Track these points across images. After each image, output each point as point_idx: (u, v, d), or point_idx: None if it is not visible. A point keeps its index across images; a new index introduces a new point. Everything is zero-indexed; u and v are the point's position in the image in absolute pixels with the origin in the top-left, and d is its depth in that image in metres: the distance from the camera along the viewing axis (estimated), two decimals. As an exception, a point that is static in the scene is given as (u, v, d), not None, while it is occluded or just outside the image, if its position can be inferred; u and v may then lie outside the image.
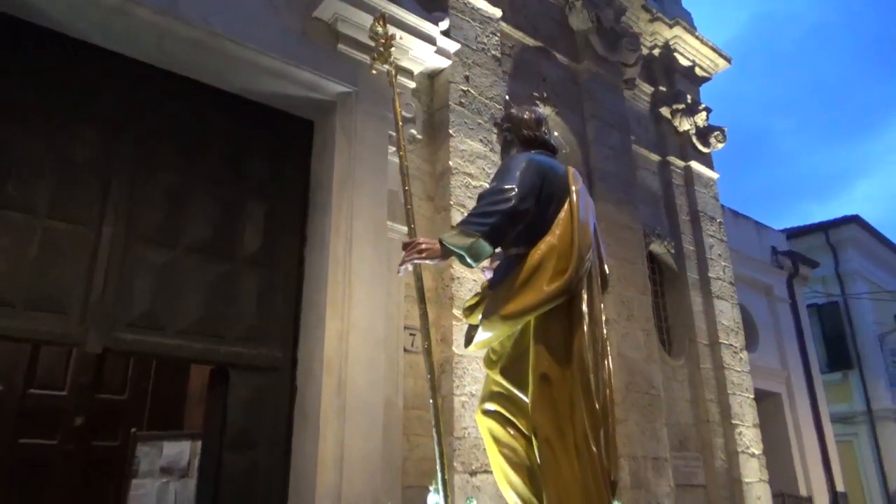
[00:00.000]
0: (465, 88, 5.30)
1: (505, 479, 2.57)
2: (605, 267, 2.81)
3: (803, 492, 9.38)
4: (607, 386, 2.54)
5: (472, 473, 4.32)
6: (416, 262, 2.59)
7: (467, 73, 5.35)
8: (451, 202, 4.89)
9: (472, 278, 4.81)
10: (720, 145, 8.71)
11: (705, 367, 7.35)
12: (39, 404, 5.37)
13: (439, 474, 2.61)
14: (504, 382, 2.60)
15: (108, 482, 5.67)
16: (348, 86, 4.63)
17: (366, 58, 4.76)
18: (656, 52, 8.36)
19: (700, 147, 8.48)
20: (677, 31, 8.32)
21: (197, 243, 4.15)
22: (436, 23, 5.07)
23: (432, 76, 5.34)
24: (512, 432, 2.57)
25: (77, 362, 5.68)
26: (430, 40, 5.00)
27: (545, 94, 6.03)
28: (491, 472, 4.37)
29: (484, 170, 5.20)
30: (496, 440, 2.61)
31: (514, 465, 2.53)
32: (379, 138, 4.69)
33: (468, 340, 2.71)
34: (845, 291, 13.64)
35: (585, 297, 2.53)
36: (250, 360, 4.18)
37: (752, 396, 7.62)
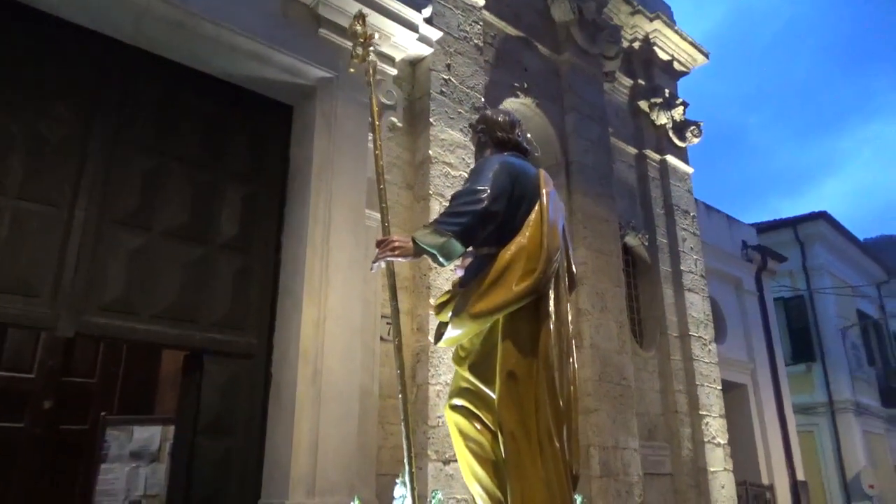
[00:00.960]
0: (446, 77, 5.28)
1: (470, 472, 2.62)
2: (574, 267, 2.87)
3: (765, 480, 9.65)
4: (571, 383, 2.59)
5: (446, 462, 4.36)
6: (388, 259, 2.60)
7: (449, 62, 5.33)
8: (431, 191, 4.88)
9: (449, 268, 4.81)
10: (696, 140, 8.82)
11: (675, 358, 7.48)
12: (6, 387, 5.26)
13: (406, 466, 2.64)
14: (472, 378, 2.64)
15: (77, 466, 5.60)
16: (329, 71, 4.58)
17: (347, 43, 4.70)
18: (636, 45, 8.40)
19: (676, 141, 8.58)
20: (657, 24, 8.38)
21: (172, 227, 4.09)
22: (419, 10, 5.03)
23: (414, 63, 5.31)
24: (478, 427, 2.62)
25: (45, 345, 5.57)
26: (413, 27, 4.97)
27: (526, 85, 6.04)
28: (453, 462, 4.43)
29: (464, 160, 5.20)
30: (463, 434, 2.66)
31: (480, 458, 2.58)
32: (359, 125, 4.65)
33: (438, 337, 2.75)
34: (811, 286, 13.98)
35: (552, 296, 2.58)
36: (225, 346, 4.15)
37: (719, 388, 7.79)
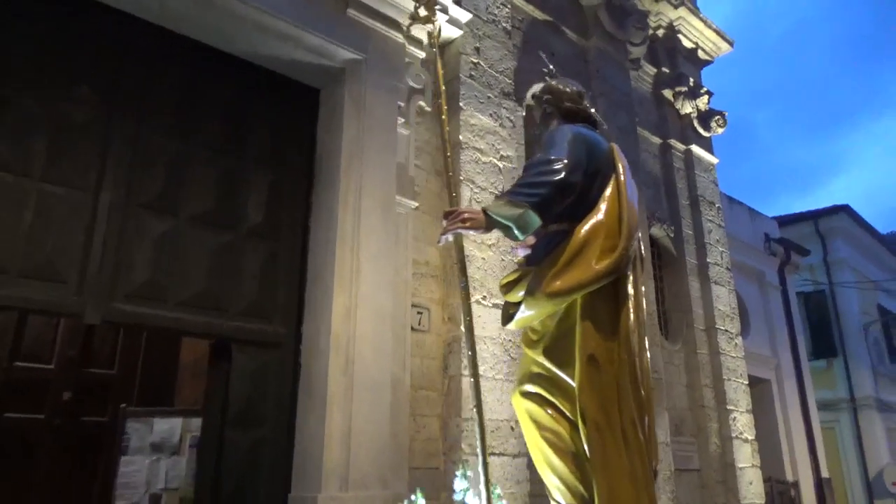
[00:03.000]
0: (475, 61, 5.13)
1: (546, 464, 2.46)
2: (643, 250, 2.70)
3: (790, 477, 9.48)
4: (647, 372, 2.44)
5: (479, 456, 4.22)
6: (459, 231, 2.44)
7: (478, 45, 5.18)
8: (462, 177, 4.74)
9: (480, 256, 4.69)
10: (720, 130, 8.64)
11: (701, 352, 7.33)
12: (26, 378, 5.18)
13: (480, 457, 2.49)
14: (546, 363, 2.48)
15: (98, 458, 5.50)
16: (358, 53, 4.44)
17: (377, 24, 4.60)
18: (660, 32, 8.23)
19: (701, 131, 8.40)
20: (682, 11, 8.19)
21: (198, 213, 3.97)
22: (449, -10, 4.89)
23: (441, 46, 5.15)
24: (554, 415, 2.47)
25: (64, 335, 5.48)
26: (443, 8, 4.81)
27: (553, 69, 5.87)
28: (499, 455, 4.29)
29: (493, 146, 5.05)
30: (536, 423, 2.50)
31: (558, 449, 2.42)
32: (388, 110, 4.52)
33: (507, 318, 2.60)
34: (832, 280, 13.76)
35: (631, 277, 2.42)
36: (253, 335, 4.03)
37: (746, 382, 7.63)
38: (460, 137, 4.84)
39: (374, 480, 3.79)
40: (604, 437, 2.26)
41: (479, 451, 2.50)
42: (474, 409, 4.29)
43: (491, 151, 5.01)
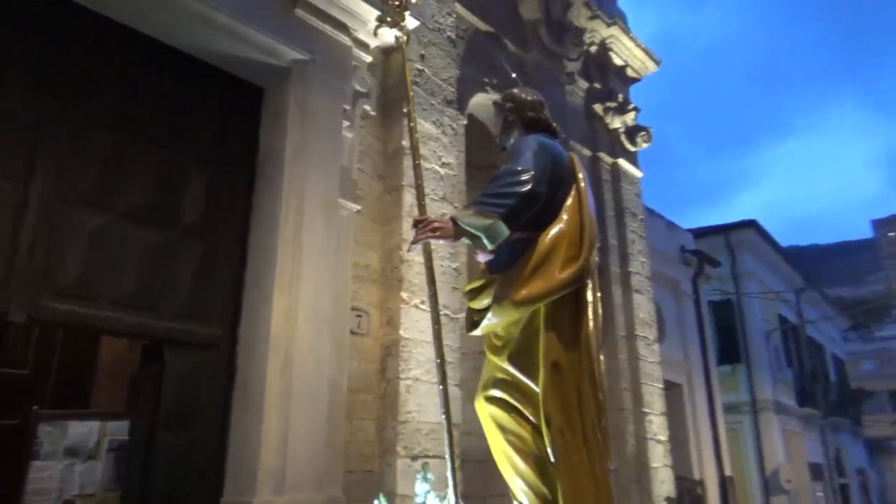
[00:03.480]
0: (420, 68, 5.19)
1: (510, 466, 2.53)
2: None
3: (697, 475, 10.04)
4: (602, 376, 2.56)
5: (414, 458, 4.29)
6: (430, 240, 2.49)
7: (423, 52, 5.25)
8: (404, 183, 4.79)
9: (419, 261, 4.74)
10: (646, 145, 9.04)
11: (622, 357, 7.66)
12: (-71, 376, 4.84)
13: (448, 462, 2.53)
14: (511, 369, 2.56)
15: (6, 464, 5.20)
16: (305, 53, 4.41)
17: (325, 26, 4.59)
18: (593, 49, 8.52)
19: (628, 145, 8.77)
20: (614, 30, 8.53)
21: (134, 209, 3.84)
22: (397, -3, 4.92)
23: (387, 52, 5.19)
24: (518, 419, 2.54)
25: (-27, 332, 5.14)
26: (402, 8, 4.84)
27: (495, 81, 6.02)
28: (433, 457, 4.37)
29: (435, 152, 5.13)
30: (501, 427, 2.57)
31: (522, 453, 2.50)
32: (334, 112, 4.51)
33: (471, 324, 2.65)
34: (739, 290, 14.64)
35: (590, 285, 2.53)
36: (187, 335, 3.94)
37: (661, 386, 8.02)
38: (403, 143, 4.89)
39: (309, 484, 3.79)
40: (566, 440, 2.36)
41: (447, 456, 2.56)
42: (411, 414, 4.37)
43: (433, 158, 5.08)
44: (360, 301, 4.52)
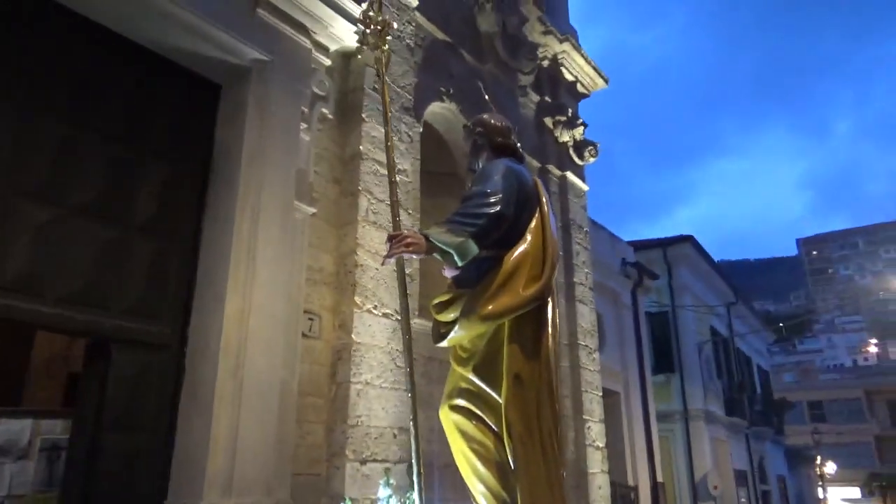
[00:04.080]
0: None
1: (472, 472, 2.62)
2: None
3: (631, 481, 10.36)
4: (559, 387, 2.69)
5: (363, 462, 4.32)
6: (403, 255, 2.56)
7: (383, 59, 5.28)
8: (360, 187, 4.82)
9: (374, 266, 4.78)
10: (592, 160, 9.31)
11: (563, 365, 7.85)
12: None
13: (414, 467, 2.58)
14: (476, 380, 2.65)
15: (-71, 463, 4.95)
16: (265, 54, 4.40)
17: (285, 27, 4.60)
18: (545, 63, 8.75)
19: (576, 159, 9.01)
20: (566, 46, 8.77)
21: (85, 203, 3.74)
22: (359, 2, 4.95)
23: (347, 56, 5.22)
24: (480, 427, 2.64)
25: None
26: (352, 19, 4.88)
27: (451, 91, 6.12)
28: (381, 461, 4.41)
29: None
30: (465, 435, 2.66)
31: (484, 459, 2.59)
32: (292, 113, 4.51)
33: (438, 336, 2.74)
34: (675, 303, 15.19)
35: (550, 303, 2.66)
36: (136, 334, 3.86)
37: (601, 394, 8.27)
38: (360, 148, 4.93)
39: (257, 487, 3.77)
40: (526, 448, 2.48)
41: (413, 460, 2.62)
42: (361, 418, 4.40)
43: (389, 164, 5.12)
44: (313, 304, 4.53)
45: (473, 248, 2.53)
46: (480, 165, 3.04)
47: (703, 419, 14.77)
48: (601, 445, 7.94)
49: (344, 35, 4.98)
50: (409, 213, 5.17)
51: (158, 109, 4.21)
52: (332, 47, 5.00)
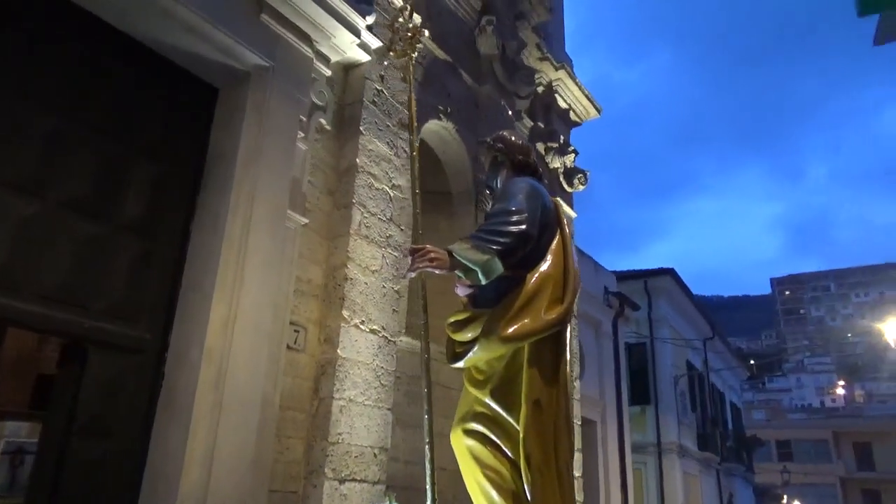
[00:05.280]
0: (379, 88, 5.20)
1: (487, 501, 2.52)
2: None
3: (604, 513, 10.26)
4: (572, 415, 2.62)
5: (342, 481, 4.20)
6: (424, 270, 2.49)
7: (383, 73, 5.27)
8: (354, 200, 4.75)
9: (363, 280, 4.70)
10: (582, 187, 9.35)
11: (544, 391, 7.79)
12: None
13: (429, 493, 2.49)
14: (493, 404, 2.57)
15: None
16: (266, 59, 4.34)
17: (288, 34, 4.55)
18: (540, 89, 8.80)
19: (565, 186, 9.04)
20: (561, 74, 8.84)
21: (71, 199, 3.62)
22: (363, 15, 4.94)
23: (347, 68, 5.18)
24: (496, 454, 2.55)
25: None
26: (356, 32, 4.86)
27: (449, 110, 6.10)
28: (360, 481, 4.29)
29: (387, 173, 5.13)
30: (479, 461, 2.56)
31: (499, 487, 2.50)
32: (290, 121, 4.44)
33: (453, 356, 2.66)
34: (653, 335, 15.24)
35: (568, 328, 2.60)
36: (114, 337, 3.72)
37: (579, 423, 8.20)
38: (357, 161, 4.87)
39: (233, 503, 3.63)
40: (544, 478, 2.40)
41: (428, 487, 2.52)
42: (342, 435, 4.28)
43: (384, 178, 5.07)
44: (299, 316, 4.42)
45: (499, 267, 2.46)
46: (499, 183, 3.00)
47: (676, 453, 14.76)
48: (577, 475, 7.84)
49: (346, 48, 4.95)
50: (402, 230, 5.11)
51: (153, 108, 4.11)
52: (334, 58, 4.96)
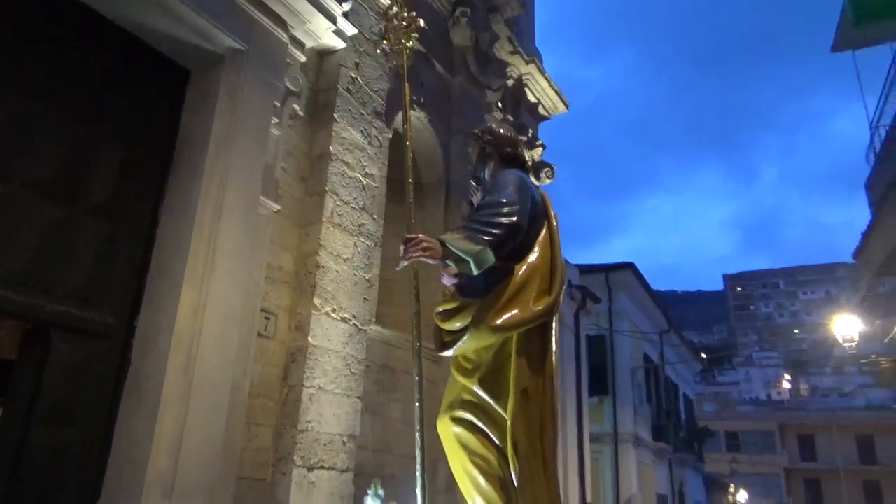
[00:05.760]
0: (353, 75, 5.17)
1: (474, 487, 2.54)
2: None
3: (561, 500, 10.46)
4: (558, 404, 2.67)
5: (310, 469, 4.20)
6: (417, 259, 2.50)
7: (358, 61, 5.23)
8: (327, 188, 4.73)
9: (335, 269, 4.69)
10: (549, 181, 9.45)
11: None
12: None
13: (419, 481, 2.50)
14: (481, 393, 2.58)
15: None
16: (241, 43, 4.27)
17: (263, 18, 4.48)
18: (510, 83, 8.85)
19: (533, 179, 9.13)
20: (531, 68, 8.91)
21: (36, 180, 3.52)
22: (340, 2, 4.89)
23: (322, 55, 5.13)
24: (483, 442, 2.57)
25: None
26: (332, 18, 4.81)
27: (422, 100, 6.10)
28: (328, 469, 4.30)
29: (360, 161, 5.11)
30: (467, 449, 2.58)
31: (486, 474, 2.52)
32: (264, 107, 4.39)
33: (442, 345, 2.67)
34: (613, 327, 15.54)
35: (555, 319, 2.64)
36: (79, 321, 3.63)
37: (541, 413, 8.35)
38: (330, 149, 4.84)
39: (200, 492, 3.60)
40: (531, 465, 2.43)
41: (418, 474, 2.54)
42: (311, 423, 4.27)
43: (357, 167, 5.06)
44: (270, 303, 4.39)
45: (491, 258, 2.48)
46: (487, 174, 3.01)
47: (631, 443, 15.11)
48: (538, 464, 7.99)
49: (322, 34, 4.90)
50: (375, 218, 5.11)
51: (121, 89, 4.01)
52: (309, 44, 4.91)
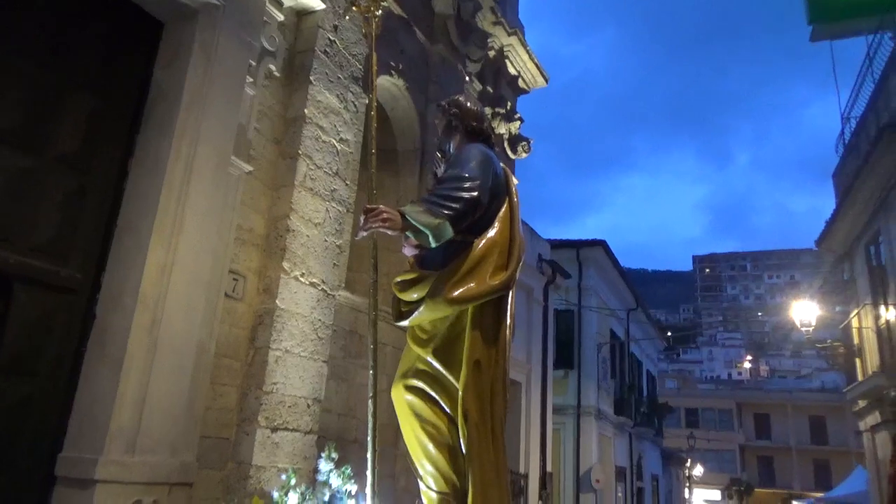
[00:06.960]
0: (332, 38, 5.10)
1: (423, 453, 2.61)
2: None
3: (522, 469, 10.72)
4: (508, 376, 2.73)
5: (274, 430, 4.24)
6: (377, 230, 2.51)
7: (337, 24, 5.15)
8: (300, 151, 4.69)
9: (305, 233, 4.68)
10: (525, 155, 9.49)
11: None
12: None
13: (370, 445, 2.55)
14: (434, 363, 2.63)
15: None
16: (216, -3, 4.18)
17: (241, -27, 4.36)
18: (491, 54, 8.80)
19: (509, 153, 9.15)
20: (513, 40, 8.86)
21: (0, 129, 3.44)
22: (320, -40, 4.80)
23: (301, 14, 5.05)
24: (435, 410, 2.63)
25: None
26: (315, -21, 4.73)
27: (401, 66, 6.05)
28: (292, 430, 4.35)
29: (335, 126, 5.07)
30: (418, 416, 2.64)
31: (437, 441, 2.59)
32: (239, 65, 4.32)
33: (399, 315, 2.71)
34: (582, 303, 15.76)
35: (511, 294, 2.69)
36: (43, 275, 3.59)
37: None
38: (305, 111, 4.79)
39: (163, 447, 3.63)
40: (480, 434, 2.51)
41: (369, 439, 2.59)
42: (276, 385, 4.30)
43: (332, 132, 5.02)
44: (238, 264, 4.38)
45: (449, 231, 2.52)
46: (452, 147, 3.02)
47: (593, 416, 15.46)
48: (501, 433, 8.15)
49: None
50: (347, 184, 5.09)
51: (92, 38, 3.91)
52: (287, 3, 4.82)
